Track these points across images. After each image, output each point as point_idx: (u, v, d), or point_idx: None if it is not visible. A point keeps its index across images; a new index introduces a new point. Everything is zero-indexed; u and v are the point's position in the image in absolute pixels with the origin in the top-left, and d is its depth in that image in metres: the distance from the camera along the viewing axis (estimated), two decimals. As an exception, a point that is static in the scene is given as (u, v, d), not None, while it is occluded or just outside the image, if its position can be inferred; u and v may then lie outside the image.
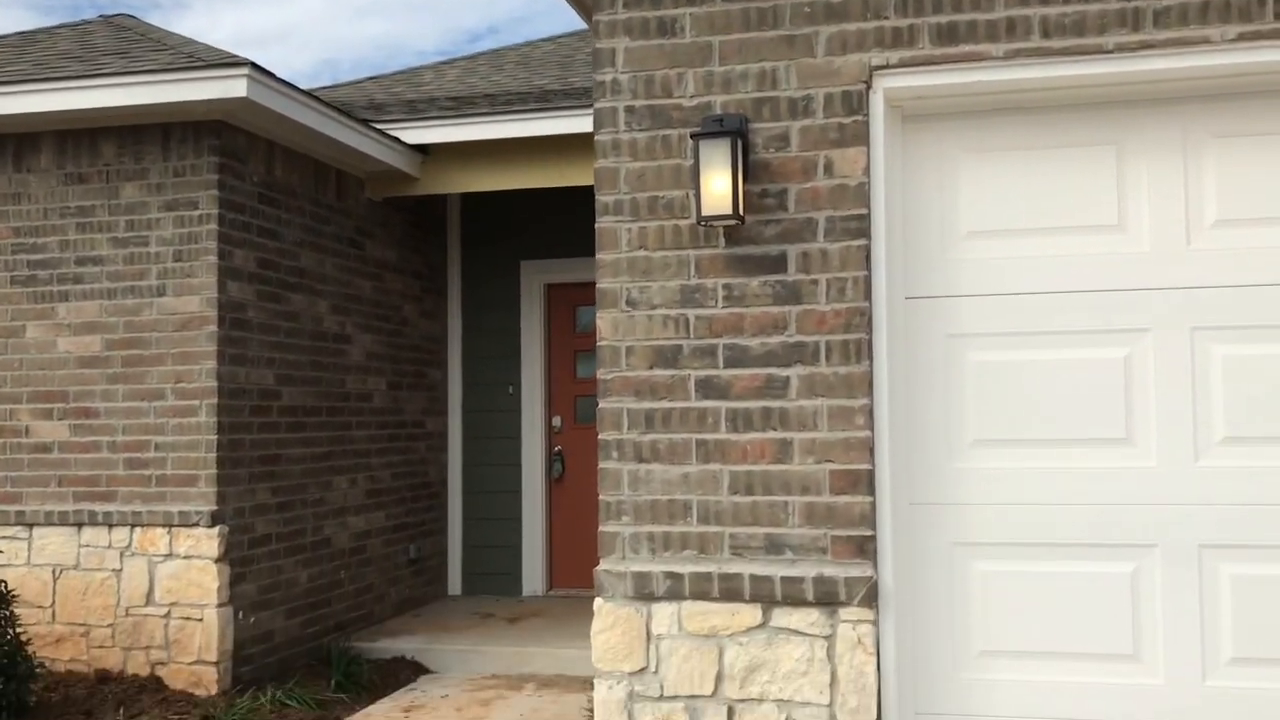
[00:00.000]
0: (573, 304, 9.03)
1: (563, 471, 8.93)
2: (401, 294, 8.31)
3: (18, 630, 5.60)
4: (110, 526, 6.29)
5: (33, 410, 6.45)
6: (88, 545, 6.32)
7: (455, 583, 8.96)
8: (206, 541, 6.15)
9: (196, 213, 6.26)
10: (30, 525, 6.39)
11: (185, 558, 6.17)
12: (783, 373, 3.47)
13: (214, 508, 6.16)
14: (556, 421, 9.00)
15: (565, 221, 8.79)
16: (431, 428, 8.75)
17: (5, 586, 5.62)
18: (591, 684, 6.04)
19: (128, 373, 6.33)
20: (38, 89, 6.23)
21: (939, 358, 3.53)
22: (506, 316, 8.99)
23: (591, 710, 5.58)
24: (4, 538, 6.37)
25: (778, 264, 3.49)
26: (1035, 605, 3.42)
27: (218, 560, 6.14)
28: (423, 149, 7.71)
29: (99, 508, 6.31)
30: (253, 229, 6.55)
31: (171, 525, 6.19)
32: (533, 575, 8.85)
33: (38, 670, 5.73)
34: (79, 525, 6.33)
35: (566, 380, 9.02)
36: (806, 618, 3.36)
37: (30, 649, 5.67)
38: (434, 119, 7.57)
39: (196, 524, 6.15)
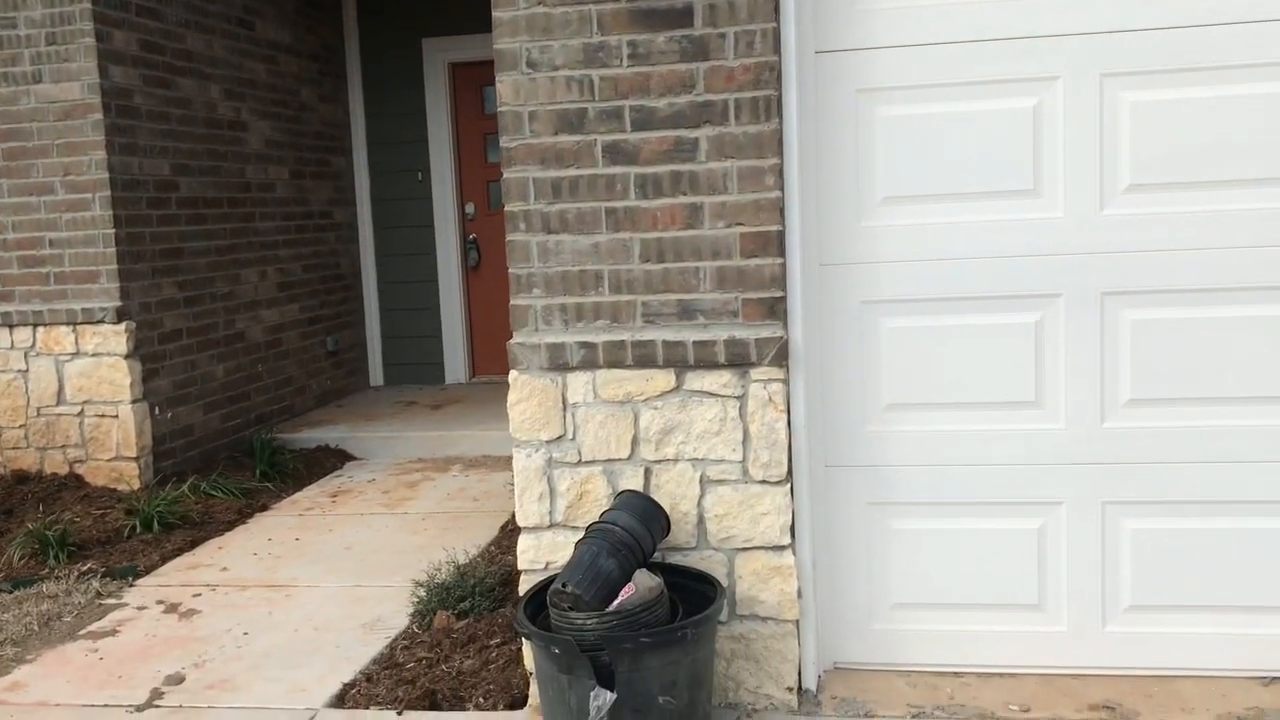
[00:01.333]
0: (480, 84, 8.72)
1: (479, 259, 8.84)
2: (298, 77, 7.93)
3: (-75, 434, 5.50)
4: (10, 327, 6.11)
5: (-88, 209, 6.13)
6: (-11, 347, 6.15)
7: (377, 374, 8.95)
8: (114, 338, 6.01)
9: (66, -10, 5.82)
10: (-74, 329, 6.18)
11: (94, 355, 6.04)
12: (691, 134, 3.38)
13: (118, 303, 6.00)
14: (469, 208, 8.84)
15: (468, -4, 8.39)
16: (340, 218, 8.54)
17: (-94, 391, 5.47)
18: (515, 462, 6.19)
19: (11, 166, 6.02)
20: None
21: (849, 114, 3.46)
22: (411, 99, 8.67)
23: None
24: (-101, 343, 6.16)
25: (684, 18, 3.34)
26: (941, 361, 3.50)
27: (127, 356, 6.03)
28: (309, -83, 7.20)
29: (-4, 308, 6.11)
30: (131, 8, 6.13)
31: (75, 323, 6.03)
32: (454, 364, 8.87)
33: (-49, 473, 5.66)
34: (-23, 327, 6.13)
35: (477, 165, 8.81)
36: (719, 379, 3.39)
37: (-60, 452, 5.58)
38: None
39: (101, 320, 5.99)
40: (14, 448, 6.18)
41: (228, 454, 6.88)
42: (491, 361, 8.88)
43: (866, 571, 3.64)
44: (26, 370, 6.12)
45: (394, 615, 4.39)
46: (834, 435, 3.59)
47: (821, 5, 3.43)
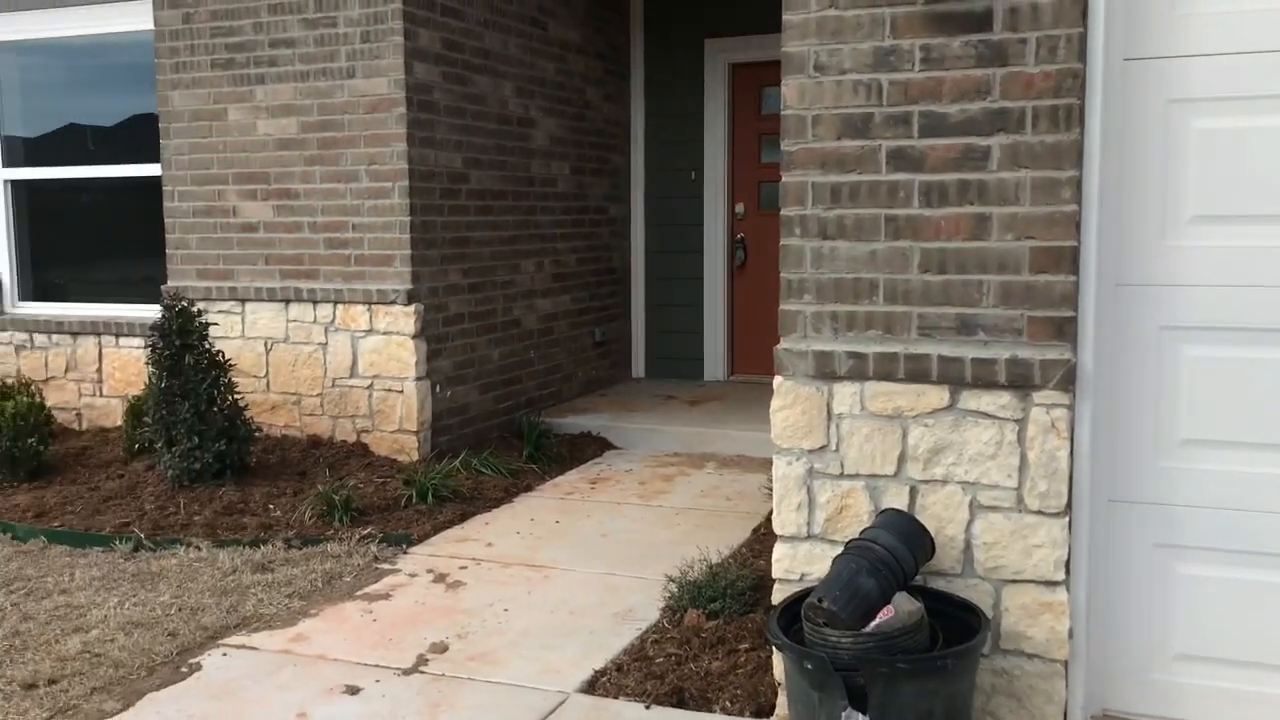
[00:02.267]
0: (759, 85, 8.73)
1: (744, 259, 8.85)
2: (584, 76, 8.18)
3: (236, 397, 6.02)
4: (314, 304, 6.60)
5: (239, 191, 6.73)
6: (295, 321, 6.67)
7: (639, 366, 9.13)
8: (403, 319, 6.39)
9: (381, -8, 6.23)
10: (243, 301, 6.77)
11: (384, 334, 6.45)
12: (983, 142, 3.24)
13: (409, 286, 6.37)
14: (739, 208, 8.86)
15: (752, -4, 8.41)
16: (614, 213, 8.75)
17: (223, 356, 6.00)
18: (770, 465, 6.15)
19: (323, 154, 6.50)
20: None
21: (1158, 126, 3.22)
22: (690, 99, 8.78)
23: (771, 488, 5.68)
24: (220, 312, 6.78)
25: (982, 22, 3.21)
26: (1249, 396, 3.20)
27: (414, 336, 6.40)
28: (605, -80, 7.40)
29: (304, 285, 6.61)
30: (436, 8, 6.49)
31: (370, 303, 6.45)
32: (714, 361, 8.93)
33: (256, 434, 6.18)
34: (286, 302, 6.67)
35: (750, 165, 8.82)
36: (997, 400, 3.24)
37: (248, 414, 6.10)
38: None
39: (394, 302, 6.38)
40: (311, 414, 6.69)
41: (498, 434, 7.19)
42: (751, 361, 8.88)
43: (1147, 617, 3.38)
44: (326, 344, 6.60)
45: (645, 607, 4.46)
46: (1120, 468, 3.35)
47: (1135, 9, 3.21)
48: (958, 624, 3.22)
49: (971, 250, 3.30)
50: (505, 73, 7.19)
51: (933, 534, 3.30)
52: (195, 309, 5.92)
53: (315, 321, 6.62)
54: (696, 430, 7.17)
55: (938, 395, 3.32)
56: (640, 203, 8.99)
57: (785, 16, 3.42)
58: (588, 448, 7.16)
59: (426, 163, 6.47)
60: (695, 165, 8.83)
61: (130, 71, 7.27)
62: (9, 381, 6.98)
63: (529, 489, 6.26)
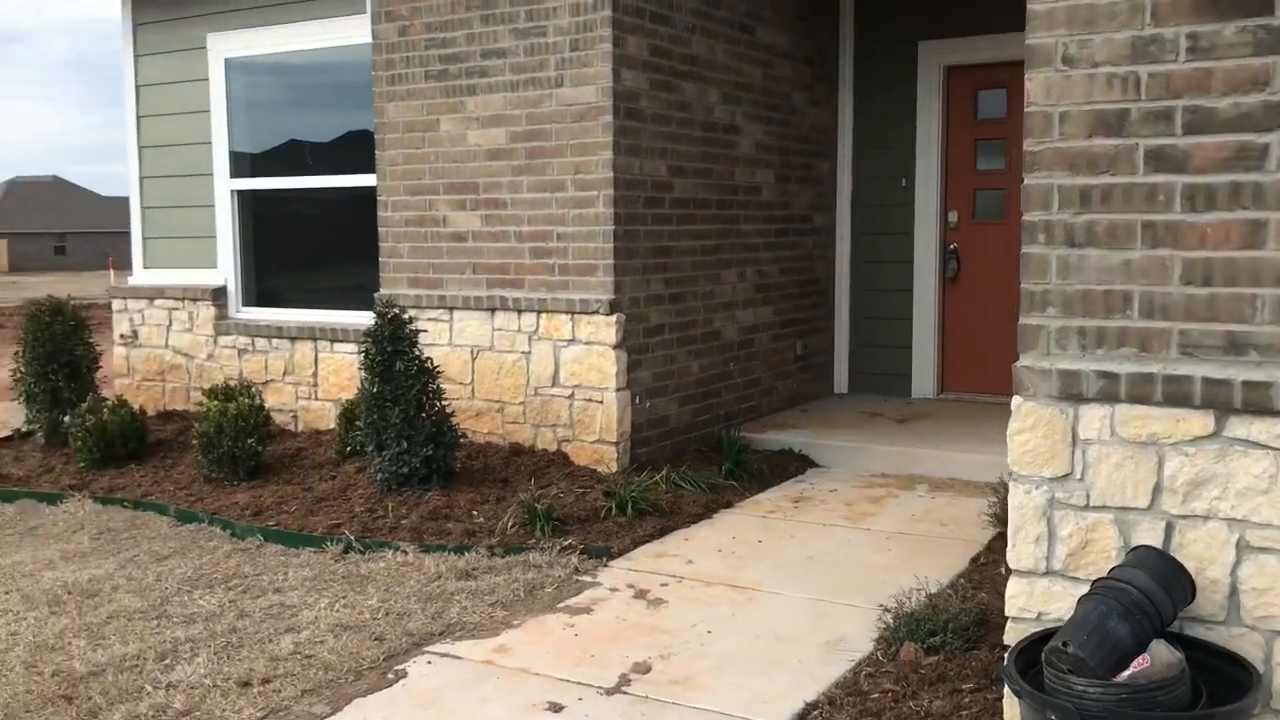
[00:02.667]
0: (974, 87, 8.33)
1: (957, 270, 8.45)
2: (791, 81, 7.98)
3: (443, 403, 6.08)
4: (519, 312, 6.63)
5: (449, 201, 6.83)
6: (500, 329, 6.71)
7: (841, 381, 8.84)
8: (605, 329, 6.34)
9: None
10: (450, 309, 6.87)
11: (586, 343, 6.41)
12: (1260, 140, 2.89)
13: (611, 296, 6.32)
14: (952, 217, 8.47)
15: (969, -4, 8.04)
16: (819, 223, 8.51)
17: (431, 363, 6.08)
18: (988, 489, 5.80)
19: (531, 164, 6.52)
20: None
21: None
22: (901, 103, 8.46)
23: (992, 514, 5.34)
24: (429, 319, 6.89)
25: (1262, 5, 2.86)
26: None
27: (616, 347, 6.33)
28: (816, -79, 7.19)
29: (509, 294, 6.65)
30: (645, 14, 6.43)
31: (573, 313, 6.42)
32: (922, 377, 8.56)
33: (461, 440, 6.24)
34: (492, 310, 6.72)
35: (965, 172, 8.42)
36: (1272, 429, 2.88)
37: (454, 420, 6.16)
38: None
39: (596, 312, 6.34)
40: (513, 422, 6.72)
41: (695, 447, 7.05)
42: (963, 378, 8.47)
43: None
44: (529, 353, 6.62)
45: (857, 637, 4.22)
46: None
47: None
48: (1221, 678, 2.87)
49: (1243, 261, 2.95)
50: (711, 79, 7.07)
51: (1192, 575, 2.96)
52: (406, 316, 6.01)
53: (519, 330, 6.65)
54: (905, 450, 6.85)
55: (1200, 421, 2.98)
56: (846, 211, 8.71)
57: (1030, 7, 3.15)
58: (789, 465, 6.94)
59: (631, 171, 6.40)
60: (906, 172, 8.50)
61: (345, 89, 7.50)
62: (231, 383, 7.30)
63: (729, 505, 6.09)
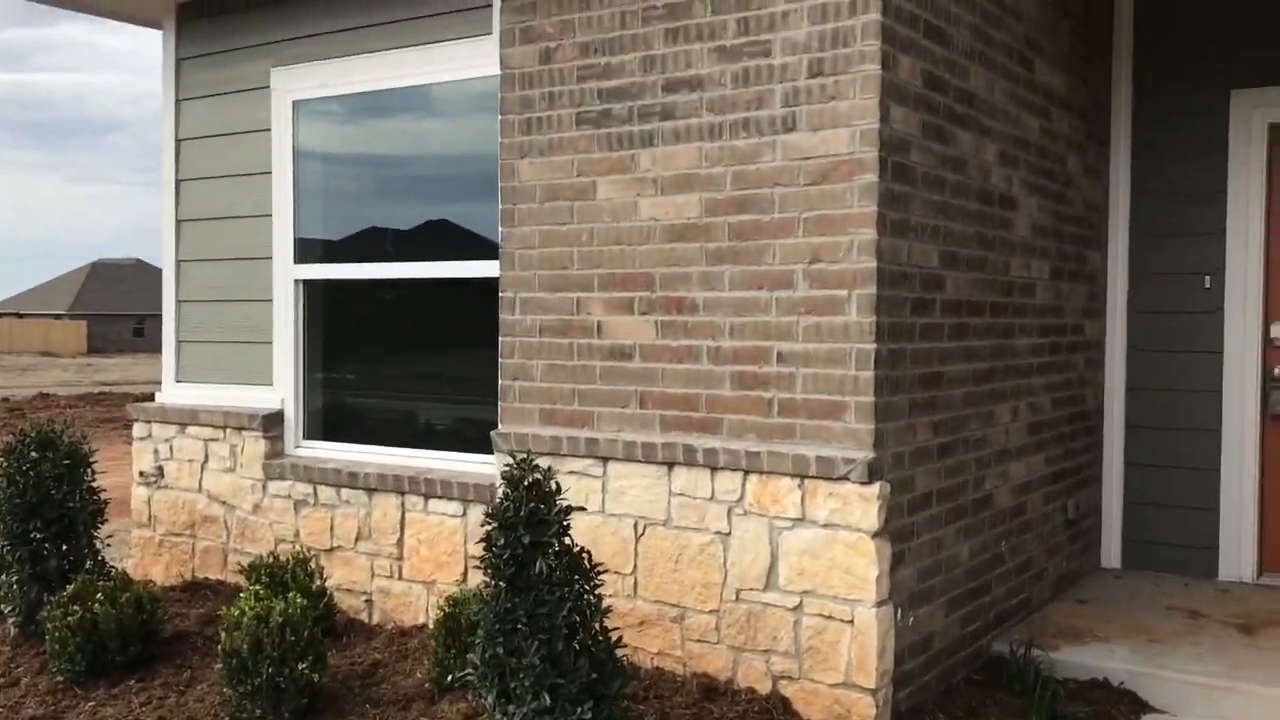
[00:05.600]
0: (1311, 154, 6.00)
1: (1287, 404, 6.02)
2: (1067, 140, 5.72)
3: (605, 621, 3.78)
4: (713, 470, 4.34)
5: (605, 300, 4.62)
6: (681, 494, 4.43)
7: (1112, 551, 6.41)
8: (859, 504, 4.02)
9: (847, -3, 4.01)
10: (604, 459, 4.61)
11: (825, 526, 4.09)
12: None
13: (870, 454, 4.01)
14: (1276, 330, 6.07)
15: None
16: (1090, 334, 6.17)
17: (587, 556, 3.78)
18: None
19: (738, 248, 4.29)
20: None
21: None
22: (1201, 175, 6.15)
23: None
24: (571, 472, 4.64)
25: None
26: None
27: (876, 534, 4.01)
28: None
29: (696, 441, 4.38)
30: (920, 25, 4.23)
31: (805, 475, 4.13)
32: (1235, 551, 6.10)
33: (626, 675, 3.90)
34: (669, 464, 4.45)
35: (1294, 269, 6.05)
36: None
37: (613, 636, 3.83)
38: None
39: (845, 477, 4.03)
40: (699, 639, 4.39)
41: (964, 673, 4.67)
42: (1292, 555, 6.02)
43: None
44: (727, 534, 4.32)
45: None
46: None
47: None
48: None
49: None
50: (989, 129, 4.83)
51: None
52: (552, 483, 3.74)
53: (713, 498, 4.36)
54: (1302, 694, 4.40)
55: None
56: (1120, 319, 6.36)
57: None
58: (1113, 708, 4.51)
59: (898, 259, 4.15)
60: (1210, 267, 6.14)
61: (458, 142, 5.38)
62: (282, 553, 5.09)
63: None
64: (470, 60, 5.10)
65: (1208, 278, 6.15)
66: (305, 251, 5.86)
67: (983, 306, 4.85)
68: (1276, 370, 6.06)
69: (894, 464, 4.15)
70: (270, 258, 5.90)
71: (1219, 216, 6.11)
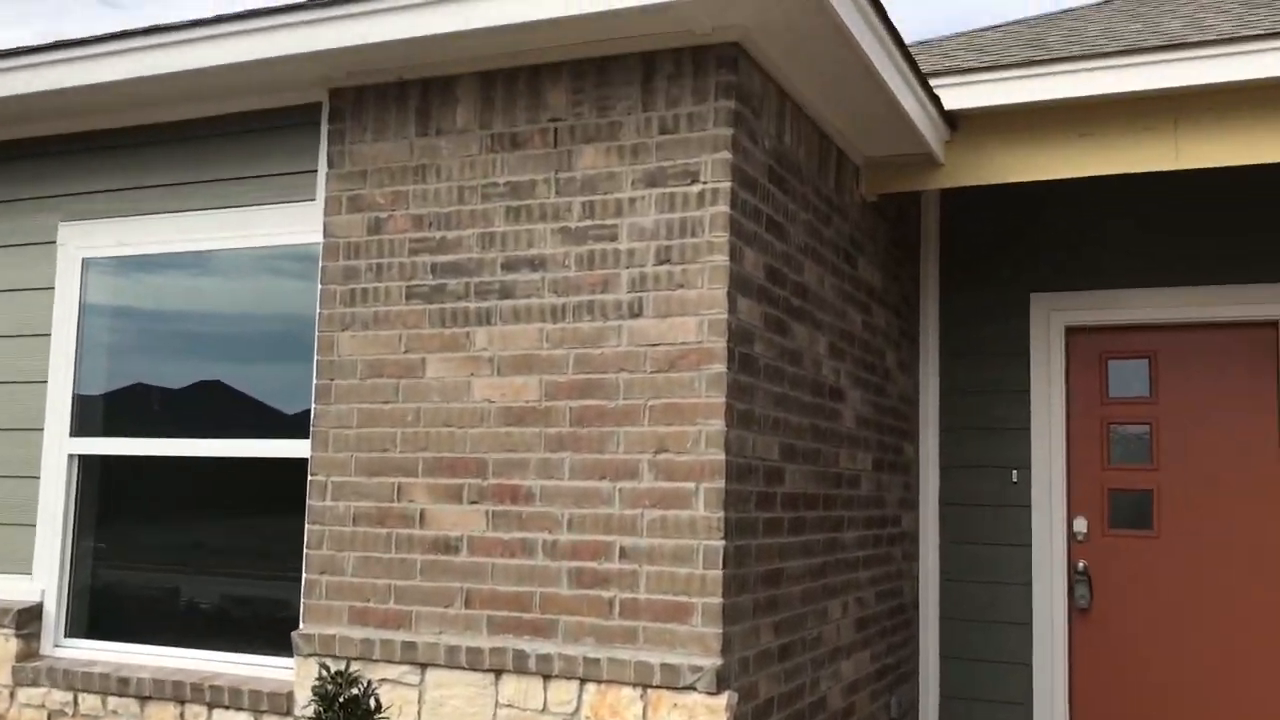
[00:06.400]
0: (1102, 355, 6.36)
1: (1090, 598, 6.18)
2: (885, 335, 5.86)
3: None
4: (546, 678, 3.99)
5: (431, 487, 4.27)
6: (509, 705, 4.04)
7: (929, 751, 6.30)
8: (706, 717, 3.74)
9: (696, 188, 3.97)
10: (423, 666, 4.18)
11: (669, 740, 3.78)
12: None
13: (718, 661, 3.77)
14: (1079, 525, 6.28)
15: (1095, 237, 6.22)
16: (906, 525, 6.21)
17: (408, 781, 3.34)
18: None
19: (579, 434, 4.07)
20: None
21: None
22: (1005, 373, 6.41)
23: None
24: (384, 680, 4.18)
25: None
26: None
27: (724, 749, 3.73)
28: (951, 120, 5.26)
29: (528, 646, 4.03)
30: (763, 220, 4.23)
31: (648, 685, 3.83)
32: (1048, 748, 6.10)
33: None
34: (496, 672, 4.06)
35: (1092, 465, 6.31)
36: None
37: None
38: (987, 71, 5.11)
39: (691, 686, 3.76)
40: None
41: None
42: (1102, 751, 6.07)
43: None
44: (562, 748, 3.94)
45: None
46: None
47: None
48: None
49: None
50: (821, 322, 4.86)
51: None
52: (371, 696, 3.31)
53: (545, 710, 3.99)
54: None
55: None
56: (934, 510, 6.45)
57: None
58: None
59: (745, 451, 4.02)
60: (1017, 462, 6.34)
61: (269, 314, 5.00)
62: (31, 777, 4.35)
63: None
64: (291, 226, 4.78)
65: (1015, 472, 6.33)
66: (84, 423, 5.25)
67: (817, 499, 4.76)
68: (1080, 564, 6.23)
69: (740, 670, 3.91)
70: (42, 428, 5.26)
71: (1024, 414, 6.34)
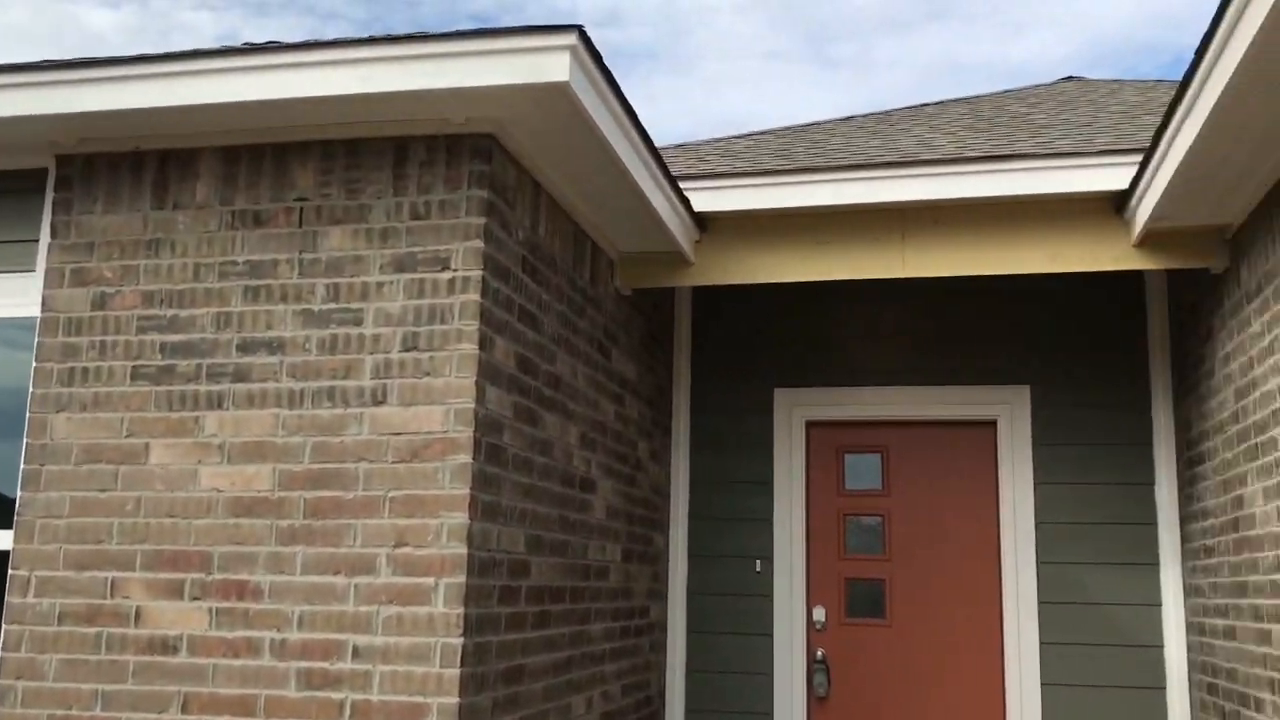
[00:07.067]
0: (839, 449, 6.65)
1: (828, 687, 6.37)
2: (638, 426, 5.94)
3: None
4: (268, 787, 3.73)
5: (149, 583, 3.98)
6: (227, 818, 3.76)
7: (674, 846, 6.28)
8: (439, 824, 3.59)
9: (447, 275, 3.93)
10: (131, 778, 3.83)
11: None
12: None
13: (453, 763, 3.63)
14: (818, 614, 6.49)
15: (834, 336, 6.55)
16: (654, 616, 6.25)
17: None
18: None
19: (314, 527, 3.89)
20: (194, 68, 3.94)
21: None
22: (750, 465, 6.61)
23: None
24: (84, 797, 3.81)
25: None
26: None
27: None
28: (700, 221, 5.45)
29: (251, 753, 3.77)
30: (515, 310, 4.22)
31: (378, 792, 3.64)
32: (788, 837, 6.20)
33: None
34: (214, 782, 3.78)
35: (830, 555, 6.56)
36: None
37: None
38: (735, 178, 5.33)
39: (424, 792, 3.60)
40: None
41: None
42: (838, 837, 6.21)
43: None
44: None
45: None
46: None
47: None
48: None
49: None
50: (573, 412, 4.87)
51: None
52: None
53: (268, 821, 3.73)
54: None
55: None
56: (682, 601, 6.52)
57: None
58: None
59: (488, 544, 3.94)
60: (761, 552, 6.51)
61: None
62: None
63: None
64: (9, 298, 4.41)
65: (759, 562, 6.49)
66: None
67: (564, 592, 4.72)
68: (819, 652, 6.42)
69: (477, 772, 3.79)
70: None
71: (767, 506, 6.53)
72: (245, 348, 4.05)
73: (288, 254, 4.07)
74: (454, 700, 3.68)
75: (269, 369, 4.02)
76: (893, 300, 6.49)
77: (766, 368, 6.66)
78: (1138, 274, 6.17)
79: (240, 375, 4.03)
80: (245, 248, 4.11)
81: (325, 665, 3.80)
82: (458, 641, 3.71)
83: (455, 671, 3.69)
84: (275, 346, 4.02)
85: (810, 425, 6.65)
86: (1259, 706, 4.54)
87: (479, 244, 3.91)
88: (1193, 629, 5.66)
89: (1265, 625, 4.42)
